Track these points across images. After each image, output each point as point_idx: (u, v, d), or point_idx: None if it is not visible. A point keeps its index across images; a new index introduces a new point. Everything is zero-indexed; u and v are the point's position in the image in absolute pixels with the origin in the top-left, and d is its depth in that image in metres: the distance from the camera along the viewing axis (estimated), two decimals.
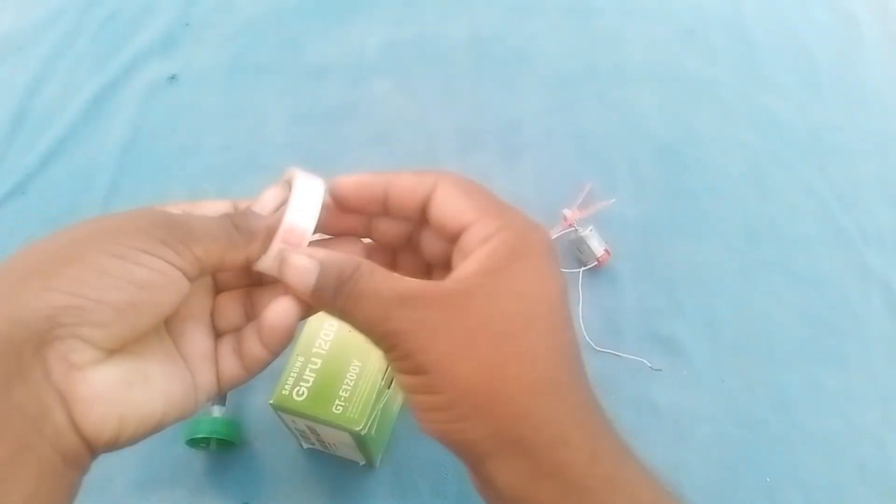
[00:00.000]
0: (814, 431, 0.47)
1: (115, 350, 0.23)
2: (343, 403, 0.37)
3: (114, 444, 0.23)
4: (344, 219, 0.29)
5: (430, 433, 0.25)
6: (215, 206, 0.28)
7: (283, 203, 0.28)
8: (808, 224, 0.57)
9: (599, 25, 0.68)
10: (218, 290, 0.30)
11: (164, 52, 0.64)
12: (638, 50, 0.66)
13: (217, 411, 0.43)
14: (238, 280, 0.30)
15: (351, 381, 0.37)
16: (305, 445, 0.43)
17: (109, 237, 0.22)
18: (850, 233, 0.56)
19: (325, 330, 0.39)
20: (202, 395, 0.27)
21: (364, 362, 0.38)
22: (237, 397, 0.45)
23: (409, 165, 0.57)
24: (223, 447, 0.43)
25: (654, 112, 0.62)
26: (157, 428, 0.25)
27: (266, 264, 0.27)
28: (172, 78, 0.62)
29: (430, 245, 0.29)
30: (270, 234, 0.27)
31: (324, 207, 0.27)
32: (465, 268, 0.25)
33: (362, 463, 0.42)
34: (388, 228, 0.29)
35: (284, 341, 0.27)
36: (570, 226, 0.51)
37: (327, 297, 0.25)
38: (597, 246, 0.50)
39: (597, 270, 0.51)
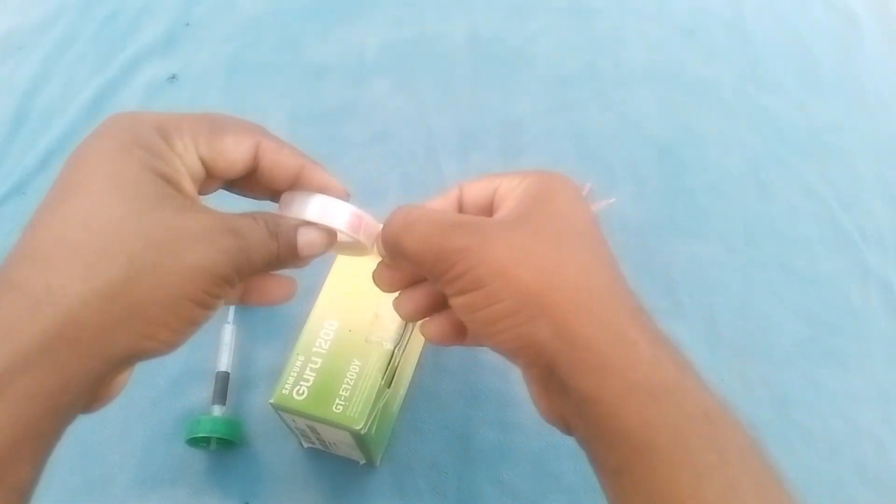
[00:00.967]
0: (814, 431, 0.47)
1: None
2: (343, 403, 0.37)
3: None
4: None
5: (499, 344, 0.26)
6: (239, 152, 0.27)
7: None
8: (808, 224, 0.57)
9: (599, 25, 0.68)
10: None
11: (164, 51, 0.64)
12: (638, 50, 0.66)
13: (217, 411, 0.43)
14: None
15: (351, 380, 0.37)
16: (306, 445, 0.43)
17: (202, 284, 0.23)
18: (849, 233, 0.56)
19: (326, 329, 0.39)
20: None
21: (364, 362, 0.38)
22: (237, 397, 0.45)
23: (409, 165, 0.58)
24: (223, 446, 0.43)
25: (654, 112, 0.62)
26: None
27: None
28: (172, 78, 0.62)
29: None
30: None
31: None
32: (506, 207, 0.27)
33: (362, 462, 0.42)
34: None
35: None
36: None
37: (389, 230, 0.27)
38: None
39: None
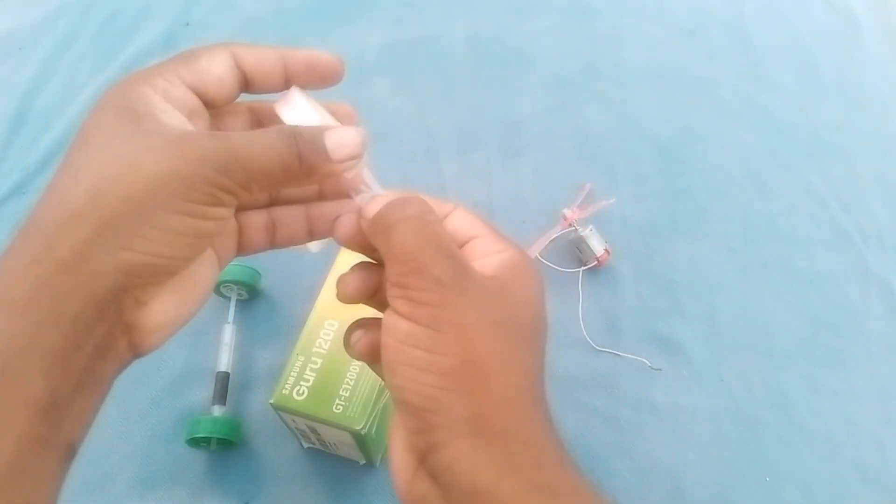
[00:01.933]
0: (813, 431, 0.47)
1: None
2: (343, 403, 0.37)
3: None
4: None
5: (410, 396, 0.24)
6: (218, 65, 0.27)
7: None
8: (807, 224, 0.57)
9: (599, 25, 0.68)
10: None
11: (164, 52, 0.64)
12: (638, 50, 0.66)
13: (217, 411, 0.43)
14: None
15: (351, 380, 0.37)
16: (306, 445, 0.43)
17: (176, 190, 0.23)
18: (849, 233, 0.56)
19: (326, 329, 0.39)
20: (223, 266, 0.29)
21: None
22: (237, 397, 0.45)
23: (409, 165, 0.58)
24: (223, 447, 0.43)
25: (654, 112, 0.62)
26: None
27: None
28: None
29: None
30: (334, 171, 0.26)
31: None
32: (480, 270, 0.26)
33: (362, 462, 0.42)
34: None
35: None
36: (570, 225, 0.51)
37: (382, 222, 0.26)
38: (597, 245, 0.50)
39: (597, 270, 0.51)
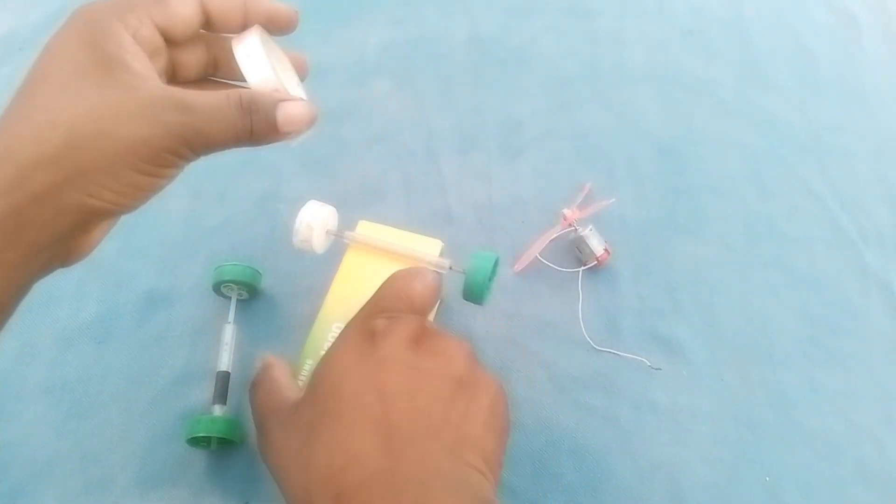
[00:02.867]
0: (813, 431, 0.47)
1: None
2: None
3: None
4: None
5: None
6: (186, 8, 0.29)
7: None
8: (807, 224, 0.57)
9: (599, 26, 0.68)
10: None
11: None
12: (638, 50, 0.66)
13: (217, 410, 0.43)
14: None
15: None
16: None
17: (144, 155, 0.26)
18: (849, 233, 0.56)
19: (333, 332, 0.39)
20: None
21: None
22: (237, 397, 0.45)
23: (409, 165, 0.58)
24: (224, 446, 0.43)
25: (654, 112, 0.62)
26: None
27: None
28: None
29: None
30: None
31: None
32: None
33: None
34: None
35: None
36: (570, 225, 0.51)
37: None
38: (596, 245, 0.50)
39: (596, 270, 0.51)
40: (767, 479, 0.45)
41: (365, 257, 0.41)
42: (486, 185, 0.56)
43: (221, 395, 0.44)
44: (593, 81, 0.64)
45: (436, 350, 0.30)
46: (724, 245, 0.55)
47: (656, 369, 0.48)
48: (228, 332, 0.46)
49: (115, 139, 0.26)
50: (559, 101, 0.62)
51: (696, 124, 0.62)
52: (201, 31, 0.30)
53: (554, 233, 0.51)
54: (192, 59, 0.32)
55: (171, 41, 0.29)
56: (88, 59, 0.26)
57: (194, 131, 0.27)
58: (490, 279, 0.38)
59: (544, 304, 0.50)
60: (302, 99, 0.30)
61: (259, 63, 0.29)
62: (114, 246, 0.50)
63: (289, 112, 0.29)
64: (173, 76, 0.32)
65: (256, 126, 0.28)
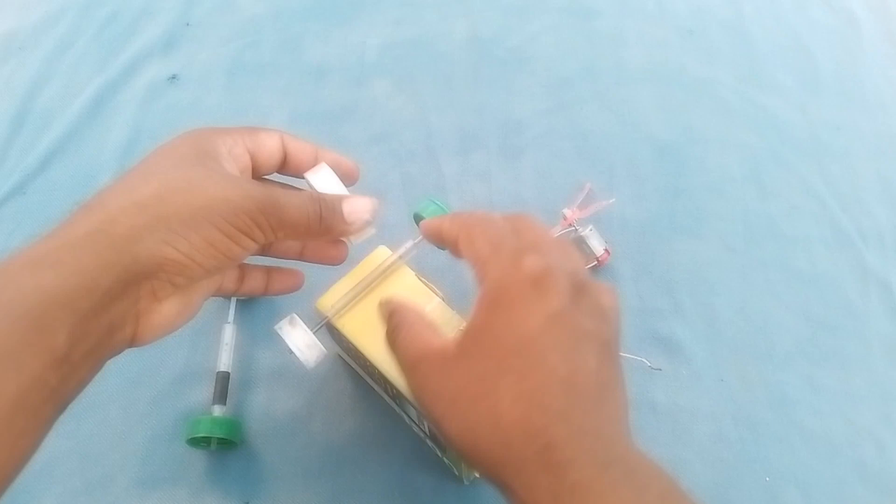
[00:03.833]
0: (813, 431, 0.47)
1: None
2: None
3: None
4: None
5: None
6: (272, 141, 0.34)
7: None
8: (807, 224, 0.57)
9: (599, 25, 0.68)
10: None
11: (164, 52, 0.64)
12: (638, 50, 0.66)
13: (217, 411, 0.43)
14: None
15: None
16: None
17: (224, 212, 0.28)
18: (849, 233, 0.57)
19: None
20: (211, 295, 0.34)
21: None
22: (237, 397, 0.45)
23: (409, 165, 0.58)
24: (224, 446, 0.43)
25: (654, 112, 0.62)
26: None
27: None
28: (173, 78, 0.63)
29: None
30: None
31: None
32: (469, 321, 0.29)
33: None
34: None
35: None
36: (570, 225, 0.51)
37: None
38: (597, 245, 0.50)
39: (597, 270, 0.51)
40: (767, 479, 0.45)
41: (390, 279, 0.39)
42: (486, 185, 0.56)
43: (221, 395, 0.44)
44: (593, 81, 0.64)
45: (595, 308, 0.29)
46: (724, 245, 0.55)
47: (656, 369, 0.48)
48: (228, 333, 0.46)
49: (201, 192, 0.28)
50: (559, 101, 0.62)
51: (695, 124, 0.62)
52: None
53: (554, 233, 0.51)
54: None
55: (256, 170, 0.34)
56: (189, 153, 0.30)
57: (272, 202, 0.30)
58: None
59: None
60: (364, 196, 0.34)
61: (332, 183, 0.35)
62: None
63: (353, 203, 0.33)
64: None
65: (325, 212, 0.32)
